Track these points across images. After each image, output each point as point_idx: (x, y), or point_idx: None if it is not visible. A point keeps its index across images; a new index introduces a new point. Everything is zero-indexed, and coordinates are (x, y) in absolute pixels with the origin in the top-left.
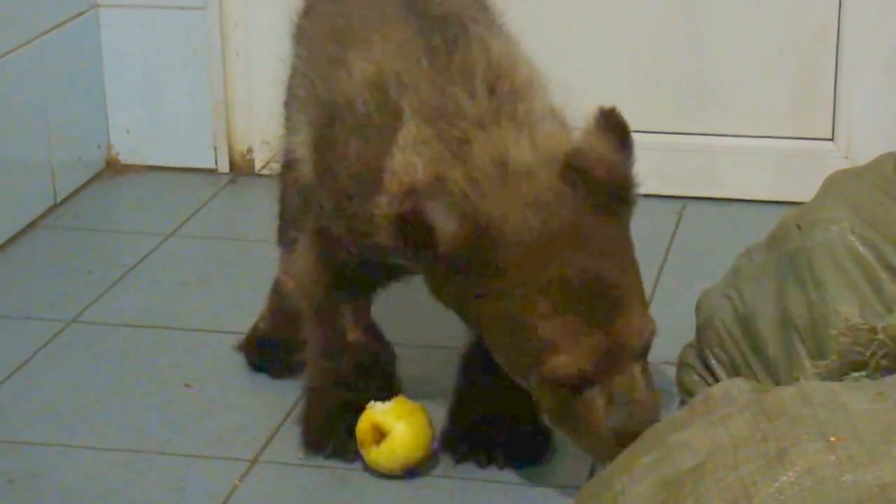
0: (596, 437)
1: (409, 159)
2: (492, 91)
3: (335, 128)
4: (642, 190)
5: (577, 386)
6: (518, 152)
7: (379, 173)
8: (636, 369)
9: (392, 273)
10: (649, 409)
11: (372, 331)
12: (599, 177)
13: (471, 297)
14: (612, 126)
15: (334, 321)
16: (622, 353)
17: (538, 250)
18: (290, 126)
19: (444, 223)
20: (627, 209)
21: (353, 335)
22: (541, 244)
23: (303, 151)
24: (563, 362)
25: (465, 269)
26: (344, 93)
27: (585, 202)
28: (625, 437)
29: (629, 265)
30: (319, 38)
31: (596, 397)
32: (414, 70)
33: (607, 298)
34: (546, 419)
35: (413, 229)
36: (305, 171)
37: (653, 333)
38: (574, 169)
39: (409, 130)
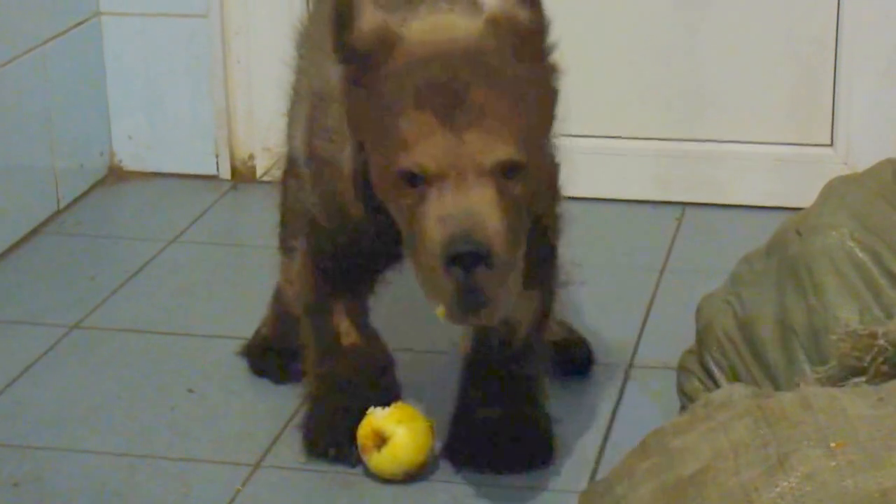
0: (427, 254)
1: None
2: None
3: (321, 111)
4: (642, 195)
5: (417, 184)
6: (460, 15)
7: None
8: (484, 189)
9: (376, 262)
10: (484, 229)
11: (369, 335)
12: (508, 25)
13: (364, 110)
14: None
15: (328, 323)
16: (468, 163)
17: (427, 61)
18: (290, 131)
19: (363, 21)
20: (542, 66)
21: (349, 339)
22: (432, 57)
23: (300, 147)
24: (408, 157)
25: (365, 74)
26: (332, 81)
27: (496, 45)
28: (454, 259)
29: (522, 105)
30: (317, 37)
31: (432, 204)
32: None
33: (470, 108)
34: (404, 251)
35: (340, 16)
36: (304, 172)
37: (513, 156)
38: (490, 21)
39: None
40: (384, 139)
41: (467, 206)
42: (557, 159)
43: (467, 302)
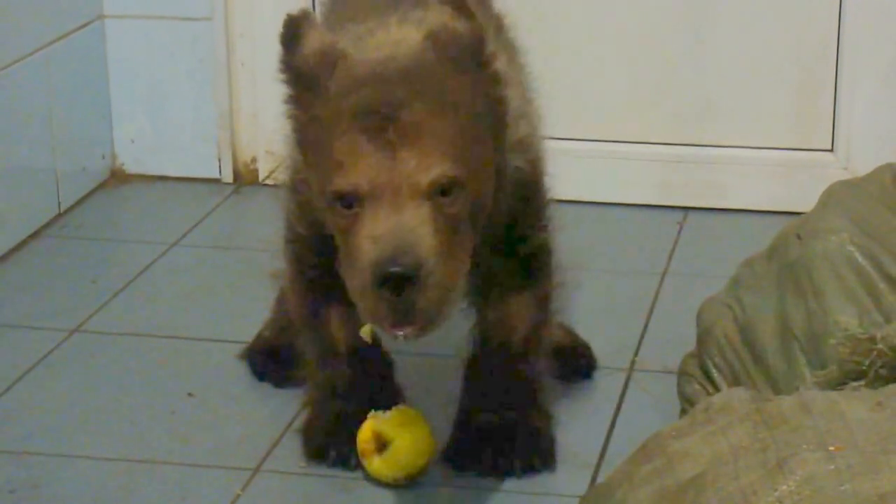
0: (360, 276)
1: None
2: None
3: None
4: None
5: (350, 206)
6: (403, 33)
7: None
8: (418, 208)
9: None
10: (414, 250)
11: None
12: (445, 38)
13: (305, 131)
14: (452, 2)
15: (321, 329)
16: (402, 183)
17: (365, 81)
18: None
19: (308, 42)
20: (481, 76)
21: (346, 345)
22: (369, 77)
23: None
24: (341, 178)
25: (307, 95)
26: None
27: (434, 58)
28: (382, 273)
29: (461, 121)
30: None
31: (365, 224)
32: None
33: (403, 127)
34: (339, 269)
35: (286, 37)
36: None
37: (446, 174)
38: (428, 36)
39: None
40: (321, 160)
41: (399, 227)
42: (543, 163)
43: (396, 320)
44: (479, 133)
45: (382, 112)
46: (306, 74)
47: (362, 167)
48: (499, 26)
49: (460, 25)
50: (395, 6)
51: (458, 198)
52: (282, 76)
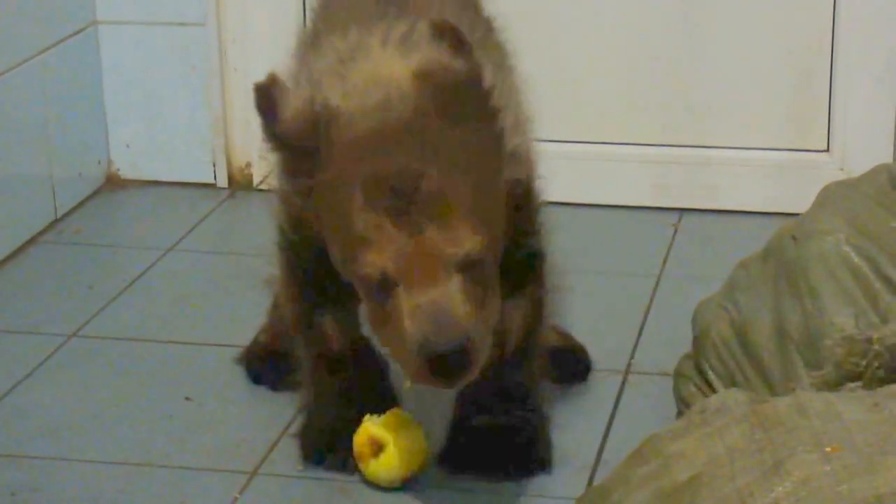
0: (402, 348)
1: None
2: (405, 39)
3: None
4: (639, 202)
5: (383, 287)
6: (389, 66)
7: None
8: (453, 282)
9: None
10: (458, 326)
11: (360, 344)
12: (442, 80)
13: (309, 195)
14: (443, 34)
15: (315, 334)
16: (433, 260)
17: (367, 143)
18: None
19: (288, 105)
20: (483, 116)
21: (339, 348)
22: (371, 138)
23: None
24: (369, 261)
25: (303, 161)
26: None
27: (433, 106)
28: (431, 353)
29: (473, 176)
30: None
31: (402, 303)
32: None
33: (425, 202)
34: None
35: (262, 106)
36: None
37: (476, 247)
38: (420, 76)
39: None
40: (338, 229)
41: (437, 304)
42: (535, 167)
43: (444, 385)
44: (489, 179)
45: (399, 188)
46: (298, 144)
47: (389, 251)
48: (489, 28)
49: (456, 64)
50: (381, 13)
51: (486, 260)
52: (270, 147)
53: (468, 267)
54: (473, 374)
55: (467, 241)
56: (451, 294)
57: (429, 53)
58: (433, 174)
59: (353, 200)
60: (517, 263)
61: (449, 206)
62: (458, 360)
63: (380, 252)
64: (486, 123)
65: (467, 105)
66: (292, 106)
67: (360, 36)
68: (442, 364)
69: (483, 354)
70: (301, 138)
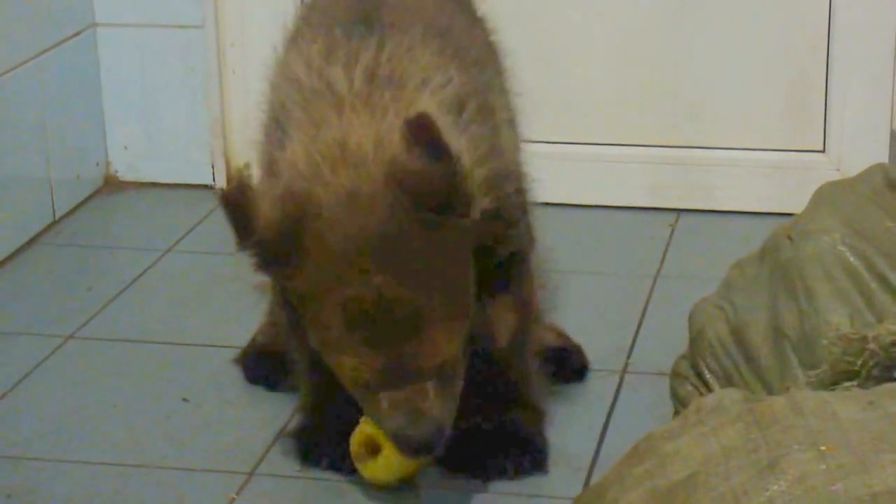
0: (377, 418)
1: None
2: (370, 78)
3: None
4: (636, 202)
5: (360, 386)
6: (359, 142)
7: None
8: (429, 385)
9: None
10: (431, 421)
11: None
12: (415, 189)
13: (295, 292)
14: (420, 138)
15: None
16: (411, 372)
17: (342, 259)
18: None
19: (261, 216)
20: (455, 221)
21: None
22: (346, 253)
23: None
24: (346, 368)
25: (282, 265)
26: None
27: (404, 213)
28: (405, 445)
29: (444, 283)
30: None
31: (379, 401)
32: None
33: (399, 322)
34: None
35: (234, 219)
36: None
37: (452, 355)
38: (393, 180)
39: (294, 115)
40: (315, 329)
41: (413, 404)
42: (525, 168)
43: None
44: (461, 271)
45: (375, 317)
46: (272, 252)
47: (367, 367)
48: (483, 29)
49: (431, 169)
50: (356, 52)
51: (459, 356)
52: (247, 255)
53: (442, 371)
54: (442, 447)
55: (443, 352)
56: (425, 395)
57: (401, 155)
58: (408, 297)
59: (329, 314)
60: (501, 262)
61: (424, 321)
62: (430, 447)
63: (355, 365)
64: (461, 216)
65: (443, 207)
66: (264, 215)
67: (324, 65)
68: (416, 451)
69: (451, 424)
70: (275, 250)
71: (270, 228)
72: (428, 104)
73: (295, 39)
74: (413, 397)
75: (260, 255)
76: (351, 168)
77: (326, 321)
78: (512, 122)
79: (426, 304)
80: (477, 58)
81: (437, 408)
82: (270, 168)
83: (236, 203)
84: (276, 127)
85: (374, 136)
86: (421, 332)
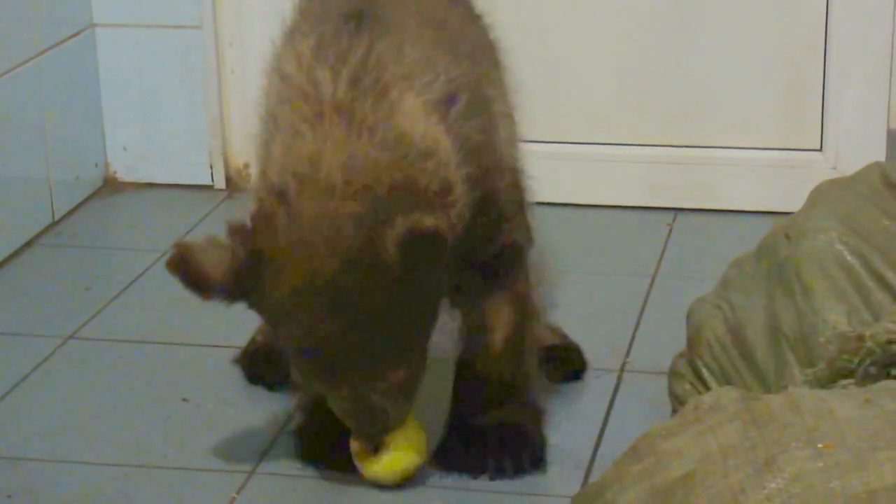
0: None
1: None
2: (355, 82)
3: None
4: (634, 201)
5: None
6: (330, 166)
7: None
8: (378, 394)
9: None
10: (382, 429)
11: None
12: (374, 267)
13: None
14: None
15: None
16: (361, 390)
17: (293, 302)
18: None
19: (208, 259)
20: (428, 271)
21: None
22: (297, 295)
23: None
24: (305, 388)
25: (244, 297)
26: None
27: (367, 261)
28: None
29: (400, 331)
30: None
31: (336, 407)
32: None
33: (361, 376)
34: None
35: (180, 274)
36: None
37: (407, 374)
38: (353, 263)
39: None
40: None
41: (365, 408)
42: (521, 164)
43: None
44: (419, 319)
45: (323, 360)
46: (232, 295)
47: (330, 402)
48: (481, 25)
49: (395, 256)
50: (345, 52)
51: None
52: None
53: (388, 394)
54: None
55: (398, 377)
56: (378, 403)
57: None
58: (357, 346)
59: (291, 352)
60: (494, 259)
61: (385, 372)
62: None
63: (316, 390)
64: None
65: (397, 293)
66: (215, 267)
67: (314, 63)
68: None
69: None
70: (234, 292)
71: (228, 273)
72: (414, 104)
73: (291, 33)
74: (367, 406)
75: (223, 298)
76: (318, 194)
77: (286, 349)
78: (509, 117)
79: (379, 353)
80: (472, 51)
81: (393, 413)
82: (262, 166)
83: (180, 266)
84: (271, 121)
85: (346, 160)
86: (382, 376)
